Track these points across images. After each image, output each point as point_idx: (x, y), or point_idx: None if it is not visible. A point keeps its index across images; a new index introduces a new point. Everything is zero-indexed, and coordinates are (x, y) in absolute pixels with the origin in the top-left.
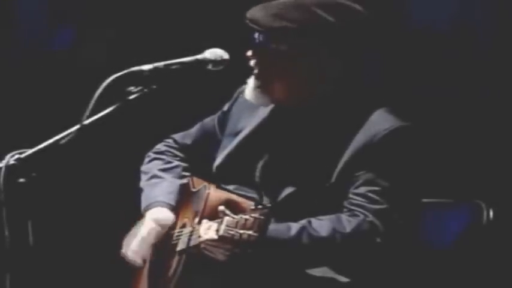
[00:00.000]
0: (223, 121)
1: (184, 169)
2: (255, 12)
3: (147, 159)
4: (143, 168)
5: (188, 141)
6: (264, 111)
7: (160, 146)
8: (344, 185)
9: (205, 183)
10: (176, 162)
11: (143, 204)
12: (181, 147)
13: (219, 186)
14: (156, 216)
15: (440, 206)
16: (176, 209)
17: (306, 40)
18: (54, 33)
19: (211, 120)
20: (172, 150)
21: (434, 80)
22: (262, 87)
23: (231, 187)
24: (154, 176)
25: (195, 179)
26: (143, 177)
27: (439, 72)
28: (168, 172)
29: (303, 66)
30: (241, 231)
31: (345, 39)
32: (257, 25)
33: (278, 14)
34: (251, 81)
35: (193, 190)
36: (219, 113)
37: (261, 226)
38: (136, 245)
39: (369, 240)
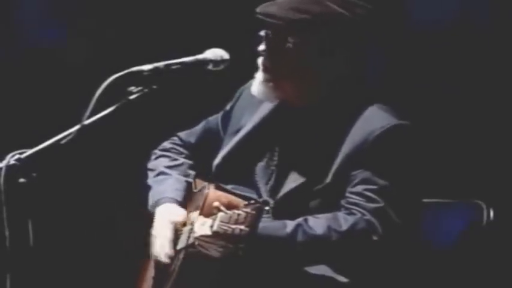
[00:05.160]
0: (225, 120)
1: (190, 166)
2: (267, 7)
3: (153, 157)
4: (150, 165)
5: (192, 139)
6: (262, 111)
7: (166, 144)
8: (341, 184)
9: (206, 184)
10: (182, 160)
11: (151, 201)
12: (186, 145)
13: (218, 187)
14: (165, 213)
15: (440, 206)
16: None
17: (321, 33)
18: (50, 31)
19: (214, 119)
20: (177, 147)
21: (434, 78)
22: (271, 81)
23: (229, 186)
24: (161, 173)
25: (197, 180)
26: (150, 174)
27: (439, 70)
28: (174, 169)
29: (314, 61)
30: (234, 226)
31: (356, 34)
32: (273, 18)
33: (294, 8)
34: (259, 75)
35: (195, 191)
36: (222, 112)
37: (252, 221)
38: (164, 246)
39: (366, 238)
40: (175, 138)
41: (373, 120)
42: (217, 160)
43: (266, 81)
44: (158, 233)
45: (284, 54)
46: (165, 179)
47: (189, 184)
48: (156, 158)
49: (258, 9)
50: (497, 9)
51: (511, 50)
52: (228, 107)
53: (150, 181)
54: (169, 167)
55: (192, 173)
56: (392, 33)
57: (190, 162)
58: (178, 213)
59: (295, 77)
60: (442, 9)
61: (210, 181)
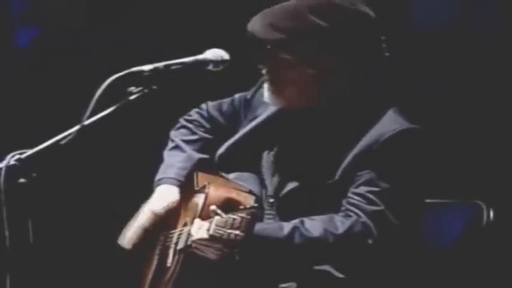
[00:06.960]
0: (246, 106)
1: (208, 142)
2: (253, 24)
3: (177, 125)
4: (171, 133)
5: (217, 114)
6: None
7: (192, 113)
8: (347, 183)
9: (206, 183)
10: (201, 134)
11: (158, 176)
12: (211, 118)
13: (220, 183)
14: (158, 199)
15: (440, 206)
16: (179, 206)
17: (301, 48)
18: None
19: (239, 99)
20: (201, 120)
21: (434, 79)
22: (274, 90)
23: (233, 175)
24: (176, 147)
25: (199, 174)
26: (169, 145)
27: (439, 72)
28: (190, 144)
29: (306, 72)
30: (229, 231)
31: (341, 41)
32: (255, 38)
33: (271, 24)
34: (266, 84)
35: (196, 189)
36: (245, 96)
37: (247, 226)
38: (131, 232)
39: (361, 241)
40: (203, 106)
41: (385, 122)
42: (221, 150)
43: (270, 90)
44: (140, 217)
45: (275, 67)
46: (177, 155)
47: (188, 181)
48: (179, 127)
49: (248, 25)
50: (498, 11)
51: (511, 52)
52: (249, 94)
53: (165, 152)
54: (186, 142)
55: (208, 148)
56: (392, 36)
57: (209, 137)
58: (172, 199)
59: (292, 87)
60: (443, 12)
61: (211, 180)
